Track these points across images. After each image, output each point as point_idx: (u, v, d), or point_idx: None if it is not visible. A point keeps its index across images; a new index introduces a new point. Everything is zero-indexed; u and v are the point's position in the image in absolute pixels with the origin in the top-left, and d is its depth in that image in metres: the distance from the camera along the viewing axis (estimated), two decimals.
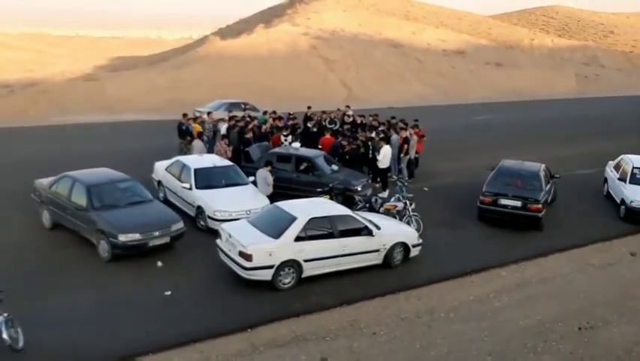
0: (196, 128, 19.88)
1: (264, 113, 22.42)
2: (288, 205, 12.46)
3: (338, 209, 12.67)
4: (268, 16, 69.88)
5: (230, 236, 11.71)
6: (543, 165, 17.20)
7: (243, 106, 28.98)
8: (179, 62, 46.29)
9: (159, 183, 16.54)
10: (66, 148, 22.92)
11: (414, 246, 13.22)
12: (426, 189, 19.36)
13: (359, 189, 16.75)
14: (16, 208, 15.26)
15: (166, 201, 16.09)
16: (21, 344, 9.08)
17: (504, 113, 39.42)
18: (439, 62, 55.91)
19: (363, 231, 12.45)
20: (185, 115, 20.58)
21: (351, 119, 22.47)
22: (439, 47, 60.15)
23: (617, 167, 18.79)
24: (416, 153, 20.64)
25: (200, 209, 14.45)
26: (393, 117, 22.08)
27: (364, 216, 13.24)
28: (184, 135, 19.51)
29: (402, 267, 13.06)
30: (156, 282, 11.80)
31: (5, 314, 8.94)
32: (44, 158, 20.11)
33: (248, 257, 11.20)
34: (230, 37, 52.89)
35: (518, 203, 15.37)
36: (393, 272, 12.86)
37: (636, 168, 17.64)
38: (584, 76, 65.41)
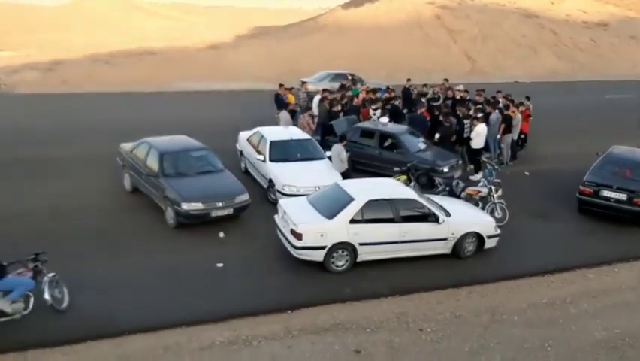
0: (291, 98, 19.69)
1: (387, 87, 21.50)
2: (348, 185, 11.79)
3: (402, 192, 11.75)
4: None
5: (285, 213, 11.32)
6: None
7: (349, 77, 28.34)
8: (298, 31, 46.46)
9: (241, 153, 16.56)
10: (170, 114, 23.77)
11: (489, 237, 11.99)
12: (527, 173, 17.72)
13: (445, 170, 15.62)
14: (108, 171, 15.97)
15: (246, 172, 16.18)
16: (65, 304, 9.37)
17: None
18: (578, 34, 51.13)
19: (430, 217, 11.47)
20: (281, 85, 20.44)
21: (460, 94, 20.96)
22: (580, 19, 55.00)
23: None
24: (522, 133, 18.90)
25: (271, 182, 14.21)
26: (498, 91, 20.33)
27: (435, 201, 12.25)
28: (281, 106, 19.36)
29: (473, 259, 11.91)
30: (214, 253, 11.72)
31: (51, 274, 9.24)
32: (145, 122, 20.87)
33: (298, 236, 10.75)
34: (354, 7, 52.02)
35: (623, 196, 13.44)
36: (461, 264, 11.77)
37: None
38: None
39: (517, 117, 17.90)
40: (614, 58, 49.12)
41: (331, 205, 11.21)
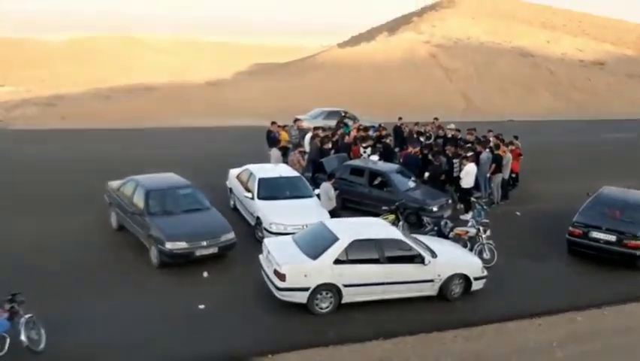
0: (284, 136, 19.72)
1: (379, 125, 21.59)
2: (333, 224, 11.70)
3: (388, 232, 11.63)
4: (396, 24, 69.08)
5: (269, 252, 11.20)
6: None
7: (342, 114, 28.44)
8: (296, 69, 46.95)
9: (230, 190, 16.51)
10: (164, 150, 23.81)
11: (476, 279, 11.82)
12: (518, 213, 17.59)
13: (434, 209, 15.55)
14: (96, 208, 15.84)
15: (235, 210, 16.10)
16: (42, 346, 9.17)
17: None
18: (574, 73, 51.60)
19: (416, 258, 11.33)
20: (273, 123, 20.49)
21: (451, 133, 21.02)
22: (576, 57, 55.56)
23: None
24: (513, 172, 18.87)
25: (259, 220, 14.11)
26: (490, 130, 20.38)
27: (422, 242, 12.14)
28: (272, 143, 19.38)
29: (460, 301, 11.72)
30: (197, 293, 11.54)
31: (28, 316, 9.08)
32: (137, 159, 20.91)
33: (281, 276, 10.60)
34: (350, 46, 52.74)
35: (612, 237, 13.29)
36: (448, 306, 11.57)
37: None
38: None
39: (508, 157, 17.89)
40: (610, 97, 49.44)
41: (316, 245, 11.09)
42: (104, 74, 53.21)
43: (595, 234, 13.54)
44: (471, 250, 13.41)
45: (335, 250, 10.82)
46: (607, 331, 10.88)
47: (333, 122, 24.90)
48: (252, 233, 14.41)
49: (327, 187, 14.46)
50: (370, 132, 20.82)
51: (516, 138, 19.07)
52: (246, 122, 33.93)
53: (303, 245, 11.24)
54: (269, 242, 11.63)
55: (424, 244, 12.01)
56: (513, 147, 18.69)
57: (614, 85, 51.05)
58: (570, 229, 13.97)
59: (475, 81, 46.43)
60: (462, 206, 16.82)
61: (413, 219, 15.31)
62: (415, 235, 13.09)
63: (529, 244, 15.08)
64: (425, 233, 14.03)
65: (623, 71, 54.32)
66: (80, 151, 23.67)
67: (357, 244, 11.01)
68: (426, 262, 11.24)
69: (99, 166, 19.74)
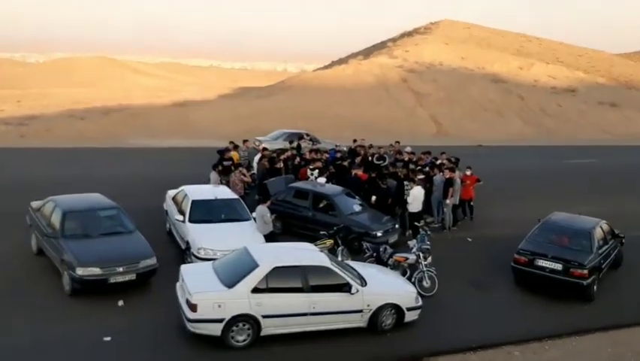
0: (235, 156, 18.99)
1: (335, 146, 21.03)
2: (256, 249, 10.88)
3: (314, 258, 10.83)
4: (373, 49, 69.28)
5: (183, 280, 10.35)
6: (602, 222, 14.21)
7: (305, 136, 27.87)
8: (264, 92, 46.46)
9: (167, 212, 15.65)
10: (114, 170, 22.96)
11: (409, 309, 11.06)
12: (469, 239, 16.94)
13: (378, 234, 14.80)
14: (22, 230, 14.85)
15: (170, 233, 15.24)
16: None
17: (611, 159, 35.04)
18: (545, 99, 51.83)
19: (344, 287, 10.54)
20: (231, 142, 19.88)
21: (407, 156, 20.43)
22: (548, 84, 55.96)
23: None
24: (470, 199, 18.23)
25: (188, 244, 13.25)
26: (443, 153, 19.82)
27: (355, 269, 11.37)
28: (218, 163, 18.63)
29: (391, 333, 10.91)
30: (107, 324, 10.61)
31: None
32: (80, 179, 19.98)
33: (193, 307, 9.73)
34: (321, 70, 52.52)
35: (559, 266, 12.62)
36: (378, 339, 10.74)
37: None
38: None
39: (457, 182, 17.26)
40: (581, 123, 49.68)
41: (234, 272, 10.27)
42: (82, 95, 52.49)
43: (541, 262, 12.87)
44: (411, 277, 12.70)
45: (253, 278, 10.00)
46: None
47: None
48: (184, 259, 13.52)
49: (262, 210, 13.66)
50: (327, 155, 20.21)
51: (469, 168, 18.42)
52: (210, 143, 33.13)
53: (221, 272, 10.41)
54: (185, 269, 10.79)
55: (355, 271, 11.24)
56: (469, 173, 18.07)
57: (585, 112, 51.34)
58: (515, 256, 13.31)
59: (446, 106, 46.30)
60: (410, 231, 16.10)
61: (357, 244, 14.58)
62: (350, 262, 12.38)
63: (476, 272, 14.39)
64: (365, 259, 13.31)
65: (594, 98, 54.75)
66: (21, 170, 22.64)
67: (278, 271, 10.20)
68: (352, 291, 10.45)
69: (38, 185, 18.73)
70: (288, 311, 10.16)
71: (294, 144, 21.48)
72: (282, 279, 10.21)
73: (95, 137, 34.55)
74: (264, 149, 19.17)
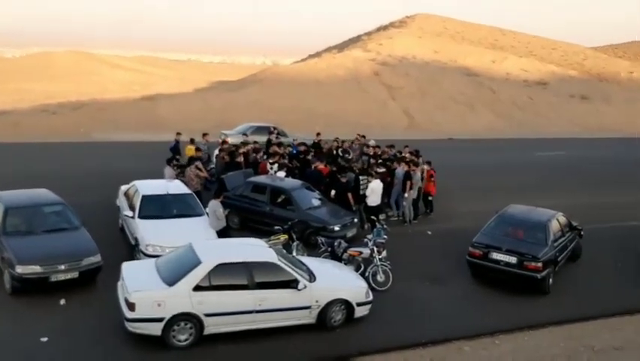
0: (190, 150, 18.59)
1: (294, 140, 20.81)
2: (200, 246, 10.52)
3: (260, 254, 10.53)
4: (348, 43, 69.02)
5: (123, 278, 9.99)
6: (559, 214, 14.13)
7: (272, 130, 27.47)
8: (236, 85, 45.89)
9: (119, 208, 15.22)
10: (73, 165, 22.42)
11: (359, 304, 10.83)
12: (429, 232, 16.82)
13: (336, 228, 14.56)
14: None
15: (122, 230, 14.82)
16: None
17: (580, 151, 35.27)
18: (516, 92, 52.06)
19: (292, 283, 10.28)
20: (179, 133, 19.56)
21: (372, 150, 20.23)
22: (520, 77, 56.24)
23: None
24: (429, 194, 18.06)
25: (137, 241, 12.86)
26: (406, 146, 19.67)
27: (305, 264, 11.12)
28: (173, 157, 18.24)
29: (341, 329, 10.68)
30: (47, 323, 10.23)
31: None
32: (37, 174, 19.39)
33: (131, 306, 9.39)
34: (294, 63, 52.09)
35: (513, 259, 12.49)
36: (327, 335, 10.50)
37: None
38: None
39: (417, 176, 17.09)
40: (551, 116, 49.97)
41: (176, 270, 9.93)
42: (58, 90, 51.33)
43: (495, 255, 12.73)
44: (365, 271, 12.50)
45: (195, 276, 9.68)
46: None
47: (261, 138, 24.01)
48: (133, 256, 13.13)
49: (214, 205, 13.31)
50: (291, 149, 19.93)
51: (429, 163, 18.26)
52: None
53: (163, 270, 10.07)
54: (126, 266, 10.42)
55: (305, 266, 10.99)
56: (428, 168, 17.91)
57: (556, 104, 51.68)
58: (470, 249, 13.17)
59: (418, 99, 46.23)
60: (369, 225, 15.90)
61: (314, 239, 14.32)
62: (303, 258, 12.15)
63: (434, 265, 14.24)
64: (320, 254, 13.07)
65: (565, 91, 55.15)
66: None
67: (222, 268, 9.89)
68: (300, 286, 10.19)
69: None
70: (233, 309, 9.86)
71: (273, 137, 21.11)
72: (226, 276, 9.91)
73: (63, 132, 33.75)
74: (223, 141, 18.80)
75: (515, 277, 12.56)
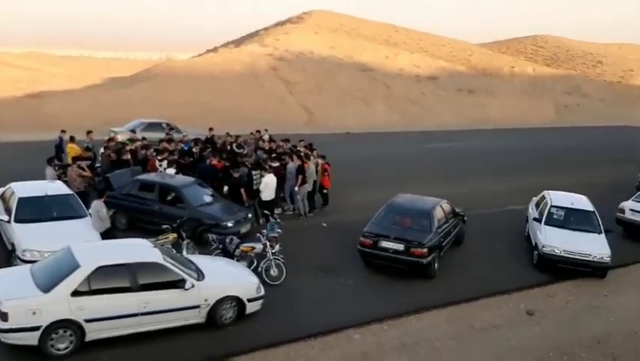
0: (72, 149, 17.65)
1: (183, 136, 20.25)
2: (80, 249, 9.98)
3: (143, 255, 10.16)
4: (245, 38, 68.34)
5: None
6: (443, 202, 14.80)
7: (165, 126, 26.74)
8: (128, 81, 44.13)
9: None
10: None
11: (250, 300, 10.76)
12: (324, 225, 17.05)
13: (229, 225, 14.37)
14: None
15: None
16: None
17: (466, 142, 37.13)
18: (409, 87, 53.94)
19: (179, 283, 10.01)
20: (63, 131, 18.57)
21: (267, 145, 20.16)
22: (412, 73, 58.22)
23: (538, 204, 16.46)
24: (324, 187, 18.28)
25: (14, 246, 12.03)
26: (301, 140, 19.81)
27: (193, 263, 10.89)
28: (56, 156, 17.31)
29: (233, 327, 10.56)
30: None
31: None
32: None
33: (3, 316, 8.76)
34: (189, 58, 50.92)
35: (400, 246, 12.92)
36: (219, 334, 10.34)
37: (554, 206, 15.29)
38: (563, 105, 63.58)
39: (311, 168, 17.26)
40: (442, 109, 52.21)
41: (52, 275, 9.38)
42: None
43: (384, 243, 13.10)
44: (257, 266, 12.44)
45: (72, 280, 9.18)
46: (380, 350, 10.22)
47: (152, 135, 23.22)
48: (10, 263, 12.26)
49: (97, 206, 12.68)
50: (182, 146, 19.41)
51: (323, 157, 18.47)
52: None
53: (39, 276, 9.48)
54: None
55: (194, 265, 10.76)
56: (322, 162, 18.11)
57: (445, 98, 54.06)
58: (361, 239, 13.48)
59: (316, 94, 46.67)
60: (264, 220, 15.83)
61: (209, 237, 14.02)
62: (194, 256, 11.92)
63: (329, 257, 14.43)
64: (211, 252, 12.84)
65: (453, 85, 57.78)
66: None
67: (103, 271, 9.45)
68: (187, 286, 9.95)
69: None
70: (116, 313, 9.46)
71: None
72: (108, 279, 9.48)
73: None
74: (109, 139, 18.02)
75: (403, 263, 12.99)
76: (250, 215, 15.51)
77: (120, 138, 22.06)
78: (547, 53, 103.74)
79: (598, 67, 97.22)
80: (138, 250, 10.39)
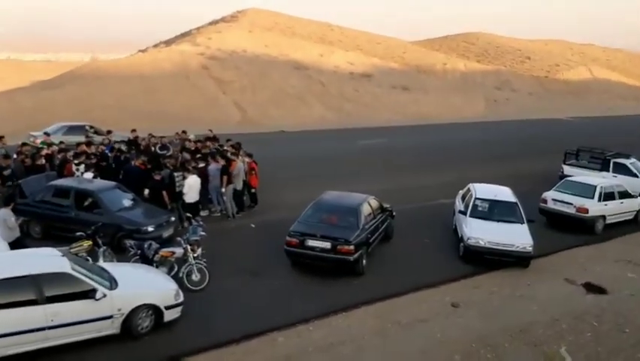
0: None
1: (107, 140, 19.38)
2: None
3: (50, 265, 9.52)
4: (177, 38, 66.86)
5: None
6: (370, 197, 14.73)
7: (87, 129, 25.67)
8: (52, 83, 42.27)
9: None
10: None
11: (168, 307, 10.31)
12: (253, 225, 16.69)
13: (150, 229, 13.81)
14: None
15: None
16: None
17: (398, 138, 37.51)
18: (344, 85, 54.08)
19: (89, 293, 9.45)
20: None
21: (194, 145, 19.53)
22: (347, 70, 58.41)
23: (464, 197, 16.67)
24: (252, 186, 17.90)
25: None
26: (228, 140, 19.38)
27: (107, 271, 10.33)
28: None
29: (150, 336, 10.09)
30: None
31: None
32: None
33: None
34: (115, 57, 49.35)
35: (327, 244, 12.72)
36: (134, 344, 9.86)
37: (479, 199, 15.50)
38: (493, 100, 65.38)
39: (239, 166, 16.87)
40: (376, 106, 52.58)
41: None
42: None
43: (311, 242, 12.87)
44: (178, 272, 11.98)
45: None
46: (304, 351, 9.99)
47: (75, 138, 22.16)
48: None
49: (5, 214, 11.86)
50: (104, 149, 18.58)
51: (250, 155, 18.10)
52: None
53: None
54: None
55: (107, 273, 10.20)
56: (249, 160, 17.74)
57: (380, 95, 54.54)
58: (287, 238, 13.20)
59: (250, 93, 46.07)
60: (188, 223, 15.32)
61: (130, 243, 13.40)
62: (109, 264, 11.34)
63: (256, 258, 14.11)
64: (129, 258, 12.27)
65: (388, 82, 58.39)
66: None
67: (3, 284, 8.82)
68: (97, 296, 9.41)
69: None
70: (19, 328, 8.86)
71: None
72: (9, 292, 8.86)
73: None
74: (23, 144, 17.06)
75: (330, 261, 12.81)
76: (173, 218, 14.98)
77: (39, 142, 21.04)
78: (478, 49, 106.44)
79: (526, 62, 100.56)
80: (45, 260, 9.74)
